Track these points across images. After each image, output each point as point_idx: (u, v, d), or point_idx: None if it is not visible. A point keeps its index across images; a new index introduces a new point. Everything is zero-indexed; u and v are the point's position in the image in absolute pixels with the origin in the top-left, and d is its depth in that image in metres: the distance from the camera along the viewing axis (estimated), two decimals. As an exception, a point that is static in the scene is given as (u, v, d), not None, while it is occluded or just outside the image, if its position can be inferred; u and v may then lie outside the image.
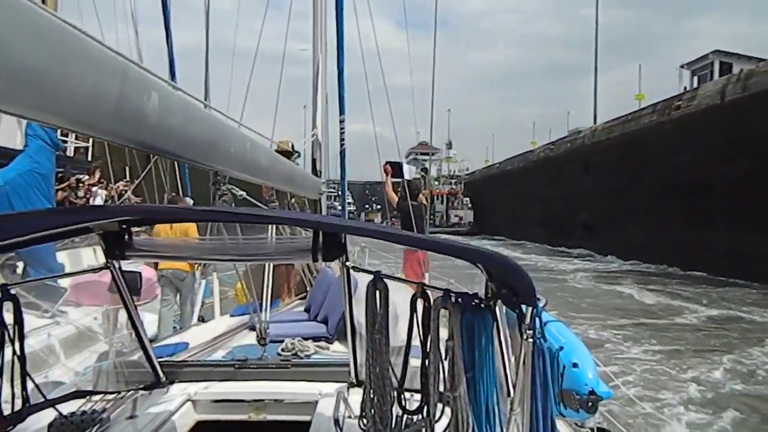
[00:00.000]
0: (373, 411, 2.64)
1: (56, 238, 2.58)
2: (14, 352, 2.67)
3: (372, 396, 2.65)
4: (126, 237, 2.75)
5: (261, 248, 2.97)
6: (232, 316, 6.50)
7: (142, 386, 3.54)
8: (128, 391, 3.49)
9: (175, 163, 11.17)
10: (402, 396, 2.67)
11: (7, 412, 2.70)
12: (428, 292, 2.53)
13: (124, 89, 1.60)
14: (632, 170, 32.30)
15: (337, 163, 9.38)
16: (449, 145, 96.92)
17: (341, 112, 9.28)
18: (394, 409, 2.67)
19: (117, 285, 3.05)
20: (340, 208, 12.11)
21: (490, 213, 65.95)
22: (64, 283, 7.50)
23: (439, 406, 2.46)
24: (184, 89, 2.17)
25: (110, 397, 3.43)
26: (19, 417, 2.72)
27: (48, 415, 3.01)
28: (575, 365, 3.92)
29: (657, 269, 29.30)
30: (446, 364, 2.37)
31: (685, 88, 34.70)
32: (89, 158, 16.47)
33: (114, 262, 2.92)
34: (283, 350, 4.42)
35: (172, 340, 5.36)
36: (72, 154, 16.00)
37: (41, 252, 7.09)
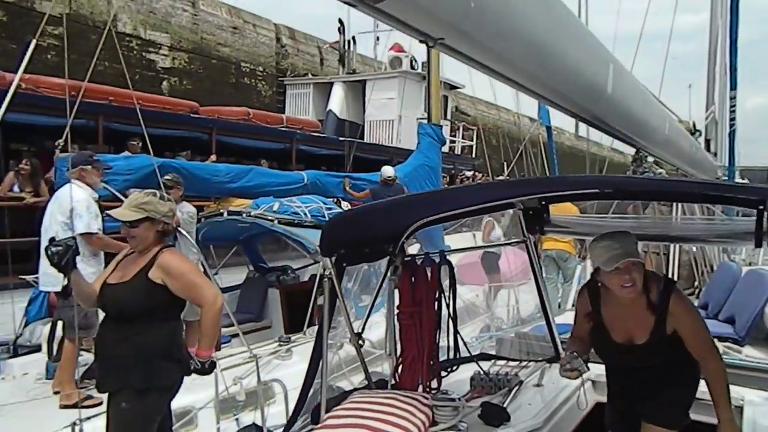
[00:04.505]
0: None
1: (486, 211, 2.89)
2: (449, 312, 3.11)
3: None
4: (545, 214, 2.91)
5: (689, 229, 2.76)
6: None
7: (542, 359, 3.72)
8: (529, 361, 3.72)
9: (546, 154, 11.39)
10: None
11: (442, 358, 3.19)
12: None
13: (591, 62, 1.67)
14: None
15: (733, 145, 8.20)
16: None
17: (732, 86, 8.09)
18: None
19: (531, 259, 3.26)
20: None
21: None
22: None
23: None
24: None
25: (513, 363, 3.71)
26: (452, 364, 3.18)
27: (466, 369, 3.42)
28: None
29: None
30: None
31: None
32: (473, 155, 18.22)
33: (530, 236, 3.12)
34: None
35: (557, 320, 5.50)
36: (459, 152, 17.95)
37: (434, 235, 8.19)
